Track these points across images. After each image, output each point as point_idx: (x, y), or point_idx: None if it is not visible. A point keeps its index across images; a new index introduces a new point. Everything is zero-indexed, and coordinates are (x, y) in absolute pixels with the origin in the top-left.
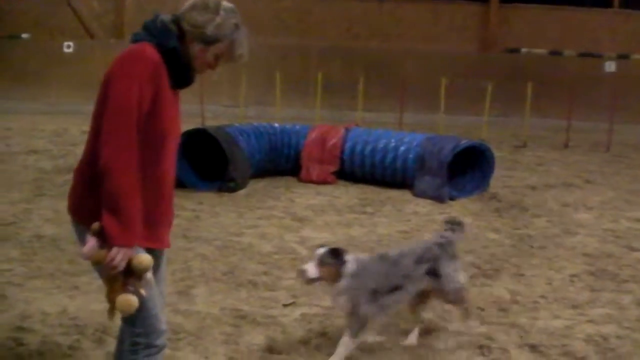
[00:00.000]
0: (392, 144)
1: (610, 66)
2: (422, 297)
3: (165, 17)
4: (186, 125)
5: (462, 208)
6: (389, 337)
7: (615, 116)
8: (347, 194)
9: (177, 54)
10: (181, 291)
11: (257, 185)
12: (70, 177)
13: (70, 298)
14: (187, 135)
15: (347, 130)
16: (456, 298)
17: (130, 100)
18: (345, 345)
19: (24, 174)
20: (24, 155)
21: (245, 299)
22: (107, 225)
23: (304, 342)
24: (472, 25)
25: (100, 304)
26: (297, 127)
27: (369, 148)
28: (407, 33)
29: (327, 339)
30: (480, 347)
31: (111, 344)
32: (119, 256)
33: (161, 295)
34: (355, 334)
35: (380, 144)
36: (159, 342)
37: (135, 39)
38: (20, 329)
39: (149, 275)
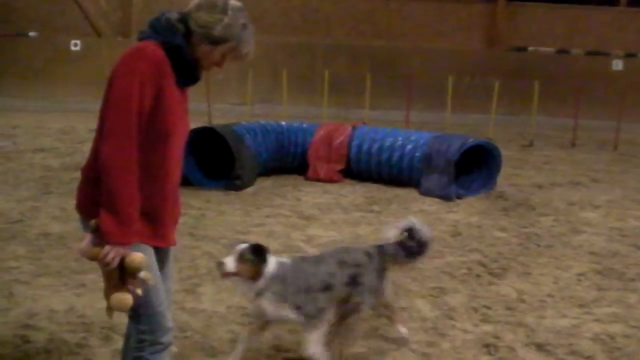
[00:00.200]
0: (399, 143)
1: (618, 64)
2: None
3: (172, 15)
4: (193, 124)
5: (468, 206)
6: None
7: (623, 114)
8: (354, 192)
9: (182, 52)
10: (187, 289)
11: (264, 184)
12: (77, 175)
13: (78, 296)
14: (194, 133)
15: (354, 128)
16: (353, 311)
17: (130, 99)
18: (314, 344)
19: (31, 172)
20: (31, 153)
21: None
22: (102, 222)
23: None
24: (479, 24)
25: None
26: (304, 125)
27: (375, 146)
28: (413, 31)
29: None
30: (487, 345)
31: (118, 342)
32: (111, 254)
33: (168, 292)
34: (311, 330)
35: (387, 143)
36: (164, 339)
37: (141, 37)
38: (27, 326)
39: (143, 274)
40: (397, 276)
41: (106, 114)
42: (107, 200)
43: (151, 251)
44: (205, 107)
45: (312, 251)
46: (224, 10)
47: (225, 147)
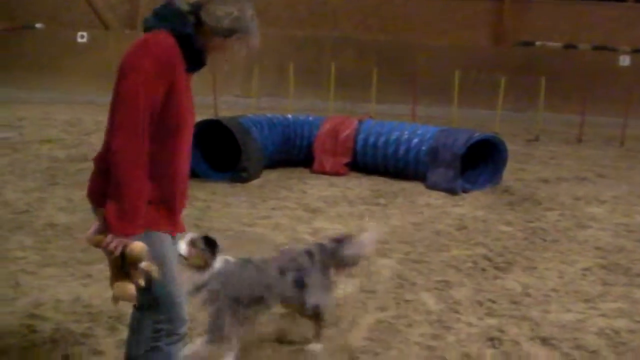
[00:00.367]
0: (405, 136)
1: (625, 60)
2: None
3: (182, 5)
4: (199, 116)
5: (474, 201)
6: (399, 334)
7: (630, 110)
8: (360, 185)
9: (192, 41)
10: None
11: (270, 176)
12: (83, 166)
13: (84, 286)
14: (200, 126)
15: (360, 122)
16: (314, 314)
17: (136, 97)
18: (198, 346)
19: (38, 163)
20: (38, 144)
21: None
22: (107, 213)
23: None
24: (485, 19)
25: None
26: (310, 118)
27: (381, 140)
28: (420, 25)
29: (339, 330)
30: (491, 339)
31: (124, 332)
32: (113, 243)
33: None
34: (211, 341)
35: (393, 136)
36: (181, 330)
37: (148, 26)
38: (34, 316)
39: (144, 264)
40: (403, 270)
41: (115, 108)
42: (114, 192)
43: (170, 240)
44: (211, 99)
45: None
46: (235, 2)
47: (232, 140)
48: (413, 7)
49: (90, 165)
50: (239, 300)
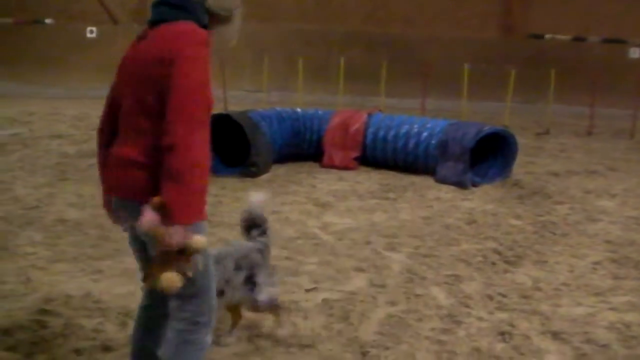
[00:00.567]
0: (415, 130)
1: (635, 52)
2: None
3: None
4: None
5: (484, 194)
6: (410, 328)
7: None
8: (369, 179)
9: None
10: None
11: (279, 171)
12: (93, 161)
13: (94, 281)
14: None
15: (369, 115)
16: (269, 309)
17: (204, 82)
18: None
19: (47, 158)
20: (47, 139)
21: None
22: (171, 202)
23: (326, 327)
24: (494, 11)
25: (123, 287)
26: (320, 112)
27: (391, 134)
28: (429, 18)
29: (349, 324)
30: (502, 333)
31: None
32: (177, 234)
33: None
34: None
35: (403, 130)
36: (214, 320)
37: (165, 18)
38: (44, 311)
39: (198, 257)
40: (413, 264)
41: (177, 96)
42: (177, 180)
43: (207, 229)
44: (220, 93)
45: (327, 238)
46: None
47: (241, 134)
48: (421, 0)
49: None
50: None
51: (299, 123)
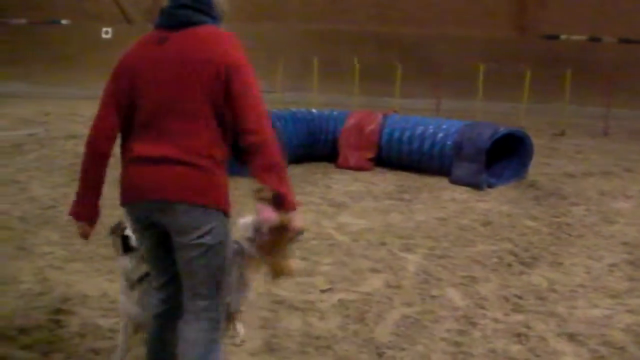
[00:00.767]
0: (430, 131)
1: None
2: None
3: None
4: None
5: (499, 195)
6: (425, 330)
7: None
8: (385, 180)
9: None
10: None
11: (295, 171)
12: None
13: (110, 281)
14: None
15: (385, 116)
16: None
17: (258, 83)
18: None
19: (64, 158)
20: (63, 139)
21: (283, 285)
22: (282, 191)
23: (341, 327)
24: (507, 10)
25: None
26: (335, 112)
27: (406, 135)
28: (441, 17)
29: (364, 325)
30: (518, 335)
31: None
32: (298, 219)
33: None
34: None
35: (418, 131)
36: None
37: (192, 21)
38: (61, 311)
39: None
40: (428, 265)
41: (252, 96)
42: (278, 172)
43: None
44: None
45: (342, 239)
46: None
47: None
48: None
49: (115, 161)
50: None
51: (314, 124)
